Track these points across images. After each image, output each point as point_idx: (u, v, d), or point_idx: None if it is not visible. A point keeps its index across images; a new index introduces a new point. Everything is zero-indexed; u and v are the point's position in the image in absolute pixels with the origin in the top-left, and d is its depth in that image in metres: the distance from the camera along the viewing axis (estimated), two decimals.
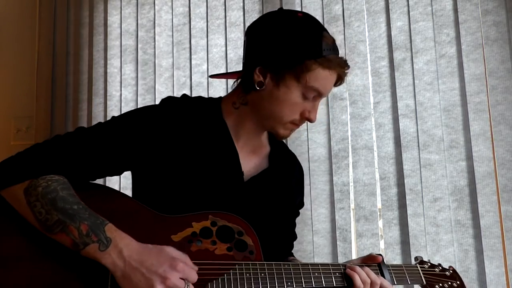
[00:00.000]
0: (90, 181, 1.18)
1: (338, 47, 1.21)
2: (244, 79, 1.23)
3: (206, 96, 1.36)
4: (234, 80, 1.29)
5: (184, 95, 1.30)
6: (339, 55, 1.20)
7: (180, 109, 1.22)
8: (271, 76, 1.18)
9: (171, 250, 1.03)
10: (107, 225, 1.03)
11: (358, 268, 1.14)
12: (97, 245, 1.00)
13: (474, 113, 1.92)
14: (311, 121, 1.21)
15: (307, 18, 1.20)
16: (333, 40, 1.19)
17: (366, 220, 2.03)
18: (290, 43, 1.15)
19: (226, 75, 1.40)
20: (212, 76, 1.42)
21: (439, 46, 2.02)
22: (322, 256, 2.07)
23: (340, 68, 1.18)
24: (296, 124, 1.23)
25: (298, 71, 1.15)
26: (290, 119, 1.20)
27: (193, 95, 1.69)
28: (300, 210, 1.43)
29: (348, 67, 1.21)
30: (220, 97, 1.32)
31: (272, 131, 1.25)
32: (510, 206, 1.84)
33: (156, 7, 2.53)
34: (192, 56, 2.43)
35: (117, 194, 1.16)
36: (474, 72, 1.95)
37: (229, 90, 2.24)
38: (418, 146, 1.99)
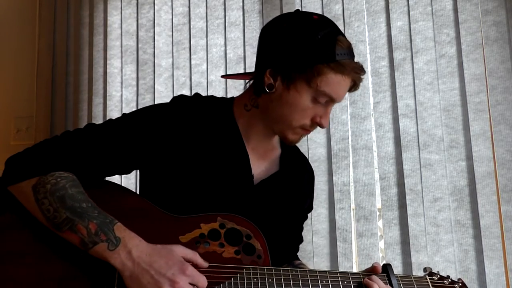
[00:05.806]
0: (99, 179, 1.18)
1: None
2: (255, 81, 1.20)
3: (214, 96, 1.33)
4: (237, 79, 1.26)
5: (196, 94, 1.28)
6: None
7: (192, 108, 1.21)
8: (281, 79, 1.14)
9: (181, 250, 1.03)
10: (116, 224, 1.03)
11: (375, 277, 1.10)
12: (106, 245, 1.00)
13: (474, 113, 1.93)
14: (322, 126, 1.18)
15: (323, 21, 1.16)
16: (349, 45, 1.15)
17: (366, 220, 2.03)
18: (301, 46, 1.11)
19: (238, 76, 1.37)
20: (224, 76, 1.39)
21: (439, 46, 2.02)
22: (321, 257, 2.08)
23: (354, 73, 1.14)
24: (306, 130, 1.19)
25: (309, 75, 1.11)
26: (299, 124, 1.17)
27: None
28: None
29: (364, 72, 1.16)
30: (233, 97, 1.30)
31: (281, 136, 1.23)
32: (510, 206, 1.85)
33: (156, 7, 2.53)
34: (192, 56, 2.42)
35: (126, 192, 1.16)
36: (474, 72, 1.95)
37: (229, 91, 2.28)
38: (418, 146, 1.99)
